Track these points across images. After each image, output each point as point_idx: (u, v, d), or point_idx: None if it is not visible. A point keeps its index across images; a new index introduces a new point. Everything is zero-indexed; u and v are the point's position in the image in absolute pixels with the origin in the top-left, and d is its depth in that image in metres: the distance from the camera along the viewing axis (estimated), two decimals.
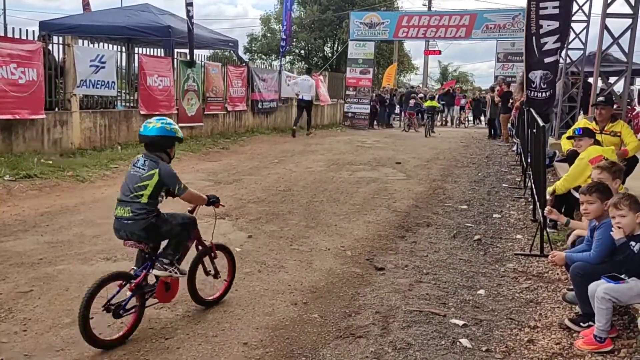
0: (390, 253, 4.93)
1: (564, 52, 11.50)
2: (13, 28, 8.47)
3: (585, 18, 11.00)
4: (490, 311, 3.67)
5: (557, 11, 7.18)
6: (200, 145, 11.55)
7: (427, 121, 18.22)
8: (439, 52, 30.26)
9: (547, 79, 7.39)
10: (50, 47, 9.07)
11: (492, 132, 17.15)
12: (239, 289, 3.89)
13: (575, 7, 10.95)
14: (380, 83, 27.41)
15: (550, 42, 7.25)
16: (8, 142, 8.07)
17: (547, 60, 7.32)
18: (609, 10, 7.32)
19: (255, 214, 6.11)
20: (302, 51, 35.94)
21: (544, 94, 7.51)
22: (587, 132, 5.40)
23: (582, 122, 6.65)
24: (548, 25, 7.20)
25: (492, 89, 18.14)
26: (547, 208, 4.35)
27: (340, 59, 27.89)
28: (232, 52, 17.18)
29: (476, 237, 5.50)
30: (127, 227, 3.17)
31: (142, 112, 10.84)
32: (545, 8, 7.21)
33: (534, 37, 7.35)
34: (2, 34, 8.57)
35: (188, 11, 11.72)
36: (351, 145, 13.90)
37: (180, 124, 12.03)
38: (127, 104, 11.23)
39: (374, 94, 22.04)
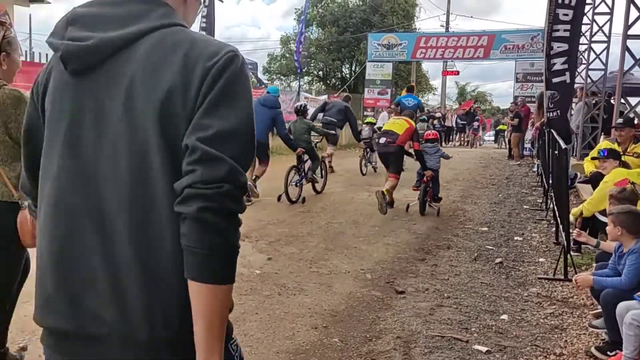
0: (410, 276, 4.89)
1: (584, 72, 11.46)
2: (39, 53, 8.76)
3: (605, 38, 10.93)
4: (514, 337, 3.61)
5: (567, 34, 7.34)
6: None
7: (501, 140, 23.87)
8: (457, 73, 30.18)
9: (554, 99, 7.48)
10: None
11: (512, 153, 17.05)
12: (259, 312, 3.89)
13: (595, 28, 10.92)
14: None
15: (558, 64, 7.42)
16: None
17: (554, 80, 7.43)
18: (630, 32, 7.29)
19: (275, 235, 6.12)
20: (321, 72, 36.29)
21: (552, 114, 7.59)
22: (612, 154, 5.33)
23: (603, 144, 6.58)
24: (558, 47, 7.40)
25: (511, 110, 18.08)
26: (576, 230, 4.29)
27: (358, 80, 28.10)
28: (251, 74, 17.44)
29: (498, 260, 5.44)
30: None
31: None
32: (557, 30, 7.39)
33: (547, 58, 7.49)
34: (29, 59, 8.82)
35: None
36: (369, 166, 13.87)
37: None
38: None
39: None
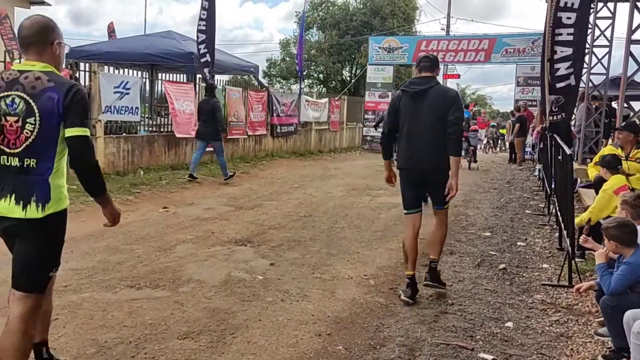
0: None
1: (585, 76, 11.43)
2: None
3: (607, 43, 10.92)
4: (519, 345, 3.58)
5: (570, 38, 7.30)
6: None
7: (501, 144, 26.00)
8: (458, 76, 30.22)
9: (559, 103, 7.45)
10: (77, 74, 9.29)
11: (513, 157, 17.04)
12: (262, 319, 3.85)
13: (597, 32, 10.90)
14: None
15: (562, 68, 7.39)
16: None
17: (558, 85, 7.41)
18: (634, 37, 7.27)
19: (277, 240, 6.09)
20: (321, 75, 36.28)
21: (555, 117, 7.56)
22: (609, 165, 5.34)
23: (607, 148, 6.56)
24: (561, 52, 7.35)
25: (512, 114, 18.07)
26: (583, 237, 4.25)
27: (359, 83, 28.09)
28: (252, 76, 17.40)
29: (501, 266, 5.41)
30: None
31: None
32: (560, 34, 7.34)
33: (548, 63, 7.44)
34: None
35: (198, 37, 11.83)
36: (371, 170, 13.86)
37: None
38: (150, 129, 11.39)
39: None
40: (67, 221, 2.66)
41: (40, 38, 2.56)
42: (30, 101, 2.46)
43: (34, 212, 2.48)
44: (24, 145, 2.48)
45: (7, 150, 2.49)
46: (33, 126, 2.47)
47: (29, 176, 2.50)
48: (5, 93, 2.49)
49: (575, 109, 12.17)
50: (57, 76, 2.55)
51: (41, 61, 2.55)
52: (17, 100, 2.47)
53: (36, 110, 2.46)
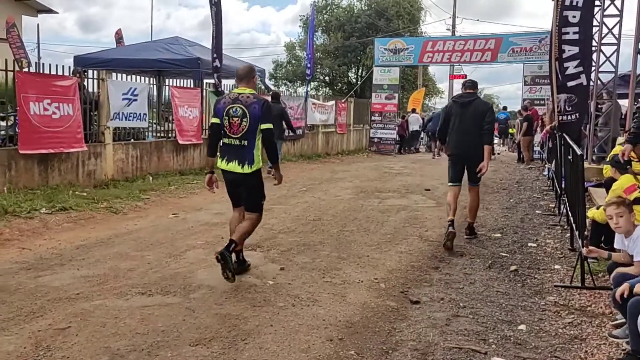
0: (424, 285, 4.84)
1: (593, 75, 11.34)
2: (50, 64, 8.76)
3: (615, 41, 10.83)
4: (533, 348, 3.55)
5: (576, 37, 7.25)
6: None
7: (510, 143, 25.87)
8: (465, 76, 30.10)
9: (572, 102, 7.38)
10: (85, 81, 9.33)
11: (522, 157, 16.96)
12: (274, 324, 3.85)
13: (604, 30, 10.83)
14: (405, 108, 27.41)
15: (571, 67, 7.34)
16: (44, 175, 8.27)
17: (570, 84, 7.36)
18: None
19: (286, 245, 6.09)
20: (327, 77, 36.32)
21: (569, 117, 7.49)
22: (618, 165, 5.30)
23: (618, 148, 6.49)
24: (569, 50, 7.30)
25: (520, 113, 17.98)
26: (585, 249, 4.23)
27: (365, 85, 28.09)
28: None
29: (512, 267, 5.37)
30: None
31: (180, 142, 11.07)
32: (567, 33, 7.30)
33: (557, 62, 7.39)
34: (39, 70, 8.83)
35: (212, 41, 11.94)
36: (378, 172, 13.85)
37: None
38: (158, 135, 11.44)
39: (402, 119, 22.04)
40: (262, 173, 4.82)
41: (248, 75, 4.83)
42: (245, 109, 4.60)
43: (247, 169, 4.64)
44: (241, 133, 4.60)
45: (233, 135, 4.64)
46: (247, 123, 4.59)
47: (244, 150, 4.63)
48: (232, 105, 4.65)
49: None
50: (257, 95, 4.73)
51: (248, 87, 4.77)
52: (238, 109, 4.62)
53: (248, 114, 4.59)
